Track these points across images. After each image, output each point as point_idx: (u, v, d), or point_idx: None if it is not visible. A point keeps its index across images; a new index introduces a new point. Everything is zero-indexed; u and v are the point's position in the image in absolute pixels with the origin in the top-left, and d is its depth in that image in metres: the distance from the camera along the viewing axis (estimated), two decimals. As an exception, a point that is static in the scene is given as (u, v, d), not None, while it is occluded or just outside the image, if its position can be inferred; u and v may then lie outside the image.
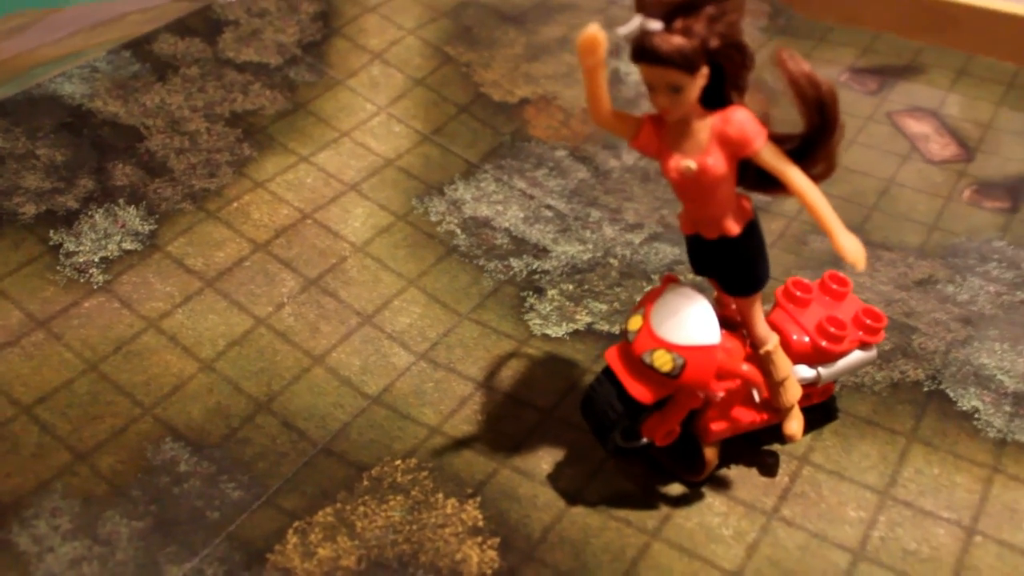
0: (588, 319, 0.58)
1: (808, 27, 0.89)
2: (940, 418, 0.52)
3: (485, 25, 0.77)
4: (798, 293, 0.49)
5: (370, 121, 0.68)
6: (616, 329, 0.57)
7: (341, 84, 0.70)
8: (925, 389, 0.53)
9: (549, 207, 0.65)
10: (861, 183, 0.70)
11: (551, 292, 0.59)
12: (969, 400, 0.52)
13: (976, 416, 0.52)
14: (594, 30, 0.36)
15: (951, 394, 0.53)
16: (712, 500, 0.48)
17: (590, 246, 0.63)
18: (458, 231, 0.63)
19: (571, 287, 0.60)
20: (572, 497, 0.48)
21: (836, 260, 0.63)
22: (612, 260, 0.61)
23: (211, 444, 0.49)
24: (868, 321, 0.49)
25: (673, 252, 0.62)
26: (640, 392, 0.43)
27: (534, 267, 0.61)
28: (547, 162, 0.69)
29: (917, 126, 0.77)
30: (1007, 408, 0.52)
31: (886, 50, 0.87)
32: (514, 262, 0.61)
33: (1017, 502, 0.48)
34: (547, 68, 0.75)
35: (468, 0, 0.79)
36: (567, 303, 0.58)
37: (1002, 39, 0.85)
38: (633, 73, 0.75)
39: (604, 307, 0.58)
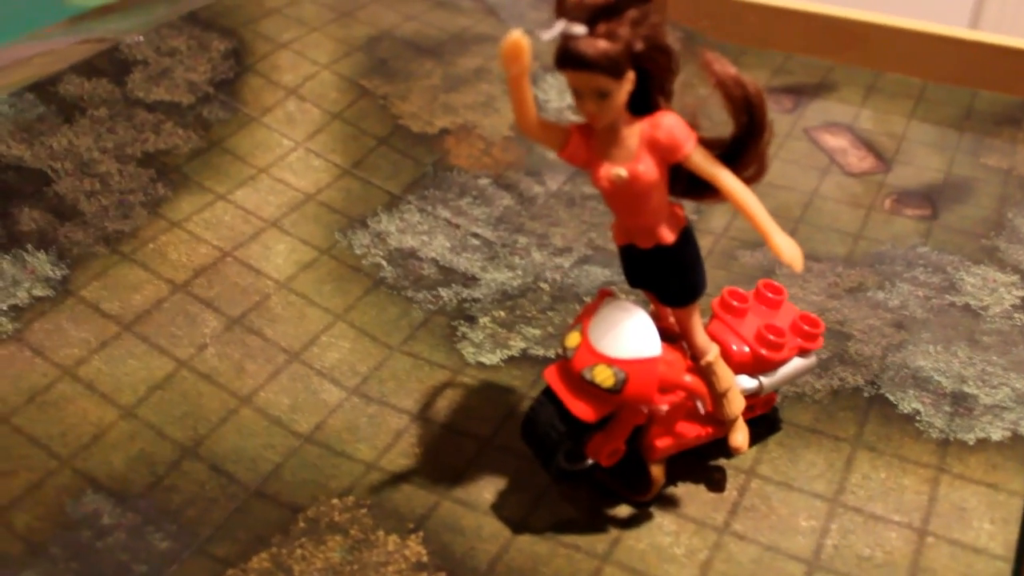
0: (522, 344, 0.56)
1: (721, 50, 0.90)
2: (883, 422, 0.51)
3: (401, 57, 0.76)
4: (735, 303, 0.48)
5: (288, 156, 0.67)
6: (552, 353, 0.56)
7: (256, 121, 0.68)
8: (865, 395, 0.53)
9: (475, 235, 0.64)
10: (785, 197, 0.70)
11: (483, 320, 0.58)
12: (909, 403, 0.52)
13: (917, 418, 0.52)
14: (517, 36, 0.35)
15: (891, 398, 0.53)
16: (661, 519, 0.47)
17: (519, 272, 0.61)
18: (384, 263, 0.61)
19: (503, 314, 0.58)
20: (518, 526, 0.46)
21: (766, 273, 0.63)
22: (543, 285, 0.60)
23: (135, 494, 0.47)
24: (806, 327, 0.48)
25: (604, 273, 0.61)
26: (582, 410, 0.42)
27: (464, 296, 0.60)
28: (471, 191, 0.68)
29: (834, 141, 0.78)
30: (947, 408, 0.52)
31: (798, 70, 0.88)
32: (443, 292, 0.60)
33: (965, 500, 0.47)
34: (466, 98, 0.75)
35: (382, 34, 0.78)
36: (500, 330, 0.57)
37: (908, 55, 0.87)
38: (552, 100, 0.75)
39: (538, 332, 0.57)
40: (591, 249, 0.64)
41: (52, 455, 0.48)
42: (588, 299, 0.59)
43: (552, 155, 0.72)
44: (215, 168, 0.64)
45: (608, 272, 0.61)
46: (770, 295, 0.49)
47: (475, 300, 0.59)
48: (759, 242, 0.66)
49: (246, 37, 0.73)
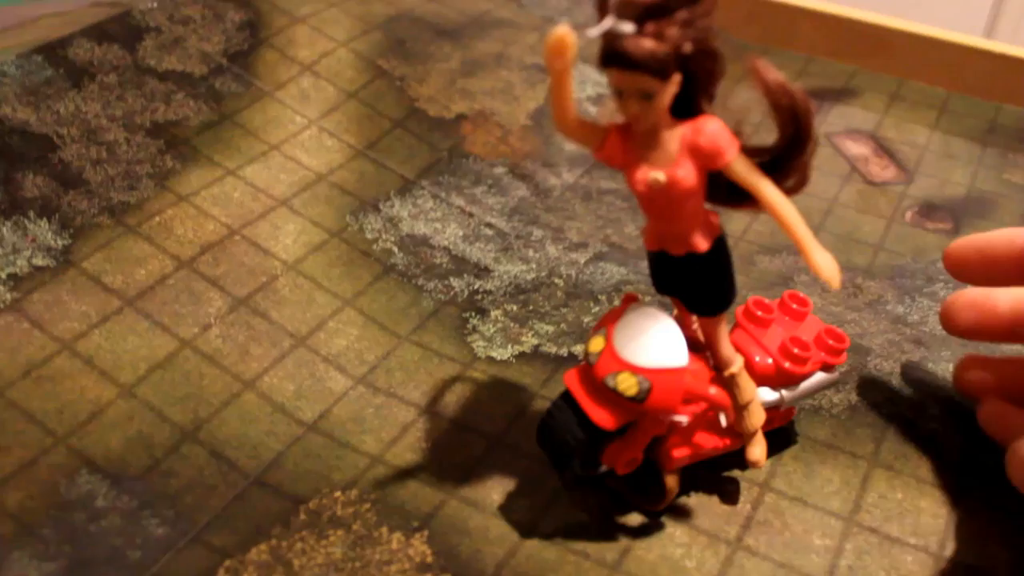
0: (534, 341, 0.55)
1: (742, 50, 0.88)
2: (901, 441, 0.50)
3: (419, 39, 0.74)
4: (759, 313, 0.47)
5: (301, 134, 0.65)
6: (564, 351, 0.54)
7: (269, 96, 0.66)
8: (884, 412, 0.51)
9: (489, 225, 0.63)
10: (806, 204, 0.69)
11: (495, 313, 0.56)
12: (928, 423, 0.51)
13: (936, 438, 0.50)
14: (563, 31, 0.34)
15: (910, 416, 0.51)
16: (673, 530, 0.46)
17: (533, 265, 0.60)
18: (395, 249, 0.60)
19: (515, 308, 0.57)
20: (526, 529, 0.45)
21: (785, 280, 0.61)
22: (557, 280, 0.59)
23: (132, 476, 0.45)
24: (831, 342, 0.47)
25: (620, 272, 0.60)
26: (602, 418, 0.40)
27: (476, 287, 0.58)
28: (486, 179, 0.66)
29: (856, 148, 0.76)
30: (965, 429, 0.51)
31: (820, 73, 0.86)
32: (455, 282, 0.58)
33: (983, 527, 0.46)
34: (484, 84, 0.73)
35: (401, 14, 0.76)
36: (512, 324, 0.56)
37: (932, 64, 0.86)
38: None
39: (551, 328, 0.56)
40: (607, 246, 0.62)
41: (47, 432, 0.46)
42: (603, 297, 0.57)
43: (570, 147, 0.71)
44: (225, 142, 0.62)
45: (623, 271, 0.60)
46: (795, 306, 0.48)
47: (487, 292, 0.58)
48: (778, 247, 0.65)
49: (262, 9, 0.71)
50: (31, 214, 0.54)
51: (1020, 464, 0.43)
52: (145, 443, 0.47)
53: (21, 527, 0.42)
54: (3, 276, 0.51)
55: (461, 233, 0.62)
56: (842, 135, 0.78)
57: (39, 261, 0.52)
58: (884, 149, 0.77)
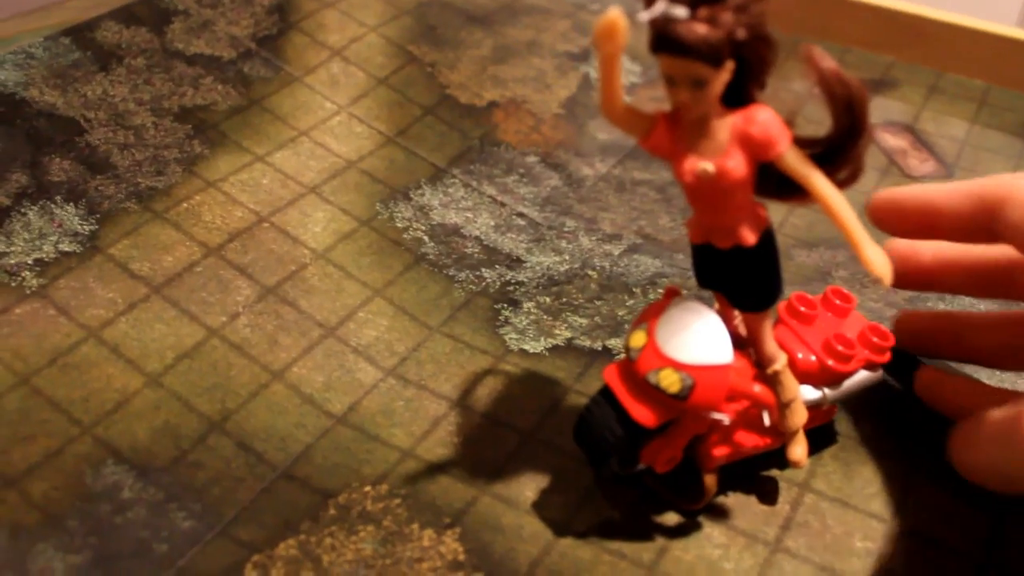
0: (568, 334, 0.54)
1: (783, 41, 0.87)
2: (943, 441, 0.49)
3: (450, 25, 0.73)
4: (802, 309, 0.46)
5: (330, 120, 0.64)
6: (598, 345, 0.53)
7: (298, 81, 0.65)
8: (926, 409, 0.50)
9: (521, 215, 0.62)
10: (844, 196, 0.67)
11: (527, 305, 0.55)
12: (973, 424, 0.50)
13: (982, 441, 0.49)
14: (615, 14, 0.33)
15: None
16: (711, 530, 0.44)
17: (566, 257, 0.59)
18: (426, 238, 0.59)
19: (548, 300, 0.56)
20: (560, 527, 0.44)
21: (823, 275, 0.60)
22: (591, 272, 0.58)
23: (158, 468, 0.44)
24: (875, 339, 0.46)
25: (655, 265, 0.58)
26: (643, 415, 0.39)
27: (508, 278, 0.57)
28: (517, 168, 0.65)
29: (894, 140, 0.75)
30: (1014, 432, 0.49)
31: (857, 64, 0.85)
32: (486, 272, 0.57)
33: (1033, 533, 0.45)
34: (515, 71, 0.72)
35: (431, -1, 0.75)
36: (545, 317, 0.55)
37: (971, 56, 0.84)
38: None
39: (584, 321, 0.54)
40: (641, 237, 0.61)
41: (73, 421, 0.45)
42: (637, 290, 0.56)
43: (603, 136, 0.70)
44: (254, 127, 0.61)
45: (659, 263, 0.58)
46: (838, 302, 0.47)
47: (519, 283, 0.57)
48: (816, 242, 0.63)
49: (292, -7, 0.70)
50: (58, 199, 0.53)
51: (960, 447, 0.43)
52: (172, 434, 0.46)
53: (46, 518, 0.42)
54: (29, 261, 0.50)
55: (493, 223, 0.60)
56: (880, 127, 0.76)
57: (66, 246, 0.51)
58: (922, 142, 0.75)
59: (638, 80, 0.75)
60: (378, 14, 0.71)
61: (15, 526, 0.41)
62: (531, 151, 0.67)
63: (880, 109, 0.79)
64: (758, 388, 0.40)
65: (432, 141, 0.65)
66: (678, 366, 0.38)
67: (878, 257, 0.36)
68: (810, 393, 0.45)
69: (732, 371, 0.39)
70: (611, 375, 0.40)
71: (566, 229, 0.61)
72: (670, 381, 0.38)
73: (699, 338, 0.38)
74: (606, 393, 0.41)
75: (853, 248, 0.36)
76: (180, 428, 0.46)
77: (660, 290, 0.56)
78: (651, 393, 0.39)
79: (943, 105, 0.80)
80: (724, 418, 0.40)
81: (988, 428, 0.41)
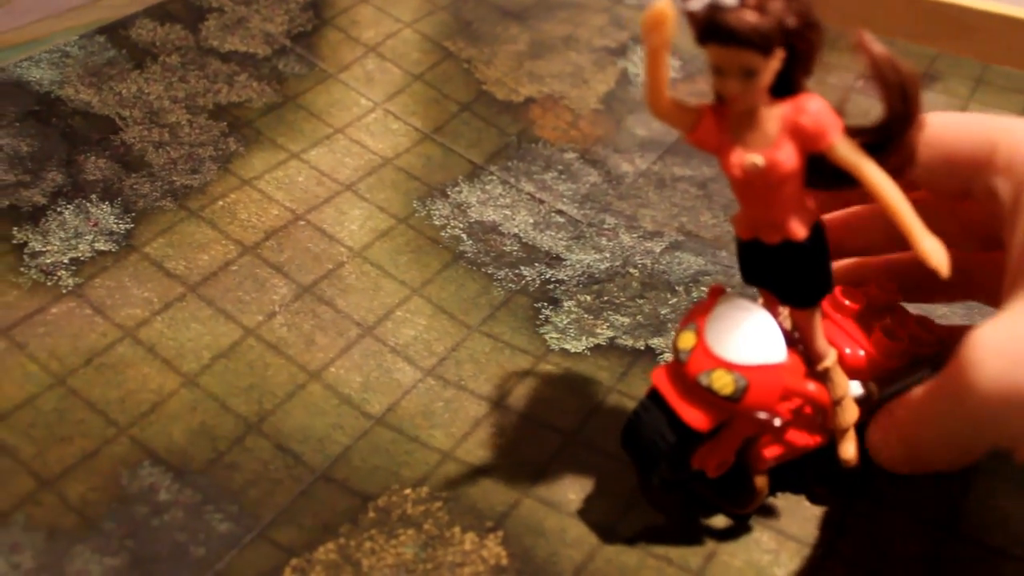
0: (610, 333, 0.52)
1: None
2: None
3: (486, 20, 0.72)
4: (847, 302, 0.44)
5: (365, 117, 0.63)
6: (641, 344, 0.52)
7: (333, 78, 0.65)
8: (982, 413, 0.48)
9: (560, 212, 0.60)
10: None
11: (568, 303, 0.54)
12: (1030, 425, 0.48)
13: (1041, 442, 0.47)
14: (662, 4, 0.32)
15: (1011, 418, 0.48)
16: (760, 535, 0.43)
17: (607, 255, 0.58)
18: (464, 236, 0.58)
19: (589, 298, 0.54)
20: (605, 532, 0.43)
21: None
22: (632, 270, 0.56)
23: (195, 470, 0.44)
24: (923, 333, 0.44)
25: (697, 262, 0.57)
26: (695, 418, 0.38)
27: (547, 276, 0.56)
28: (556, 165, 0.64)
29: (940, 134, 0.73)
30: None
31: (900, 57, 0.83)
32: (526, 271, 0.56)
33: (1097, 539, 0.43)
34: (552, 67, 0.70)
35: (466, -6, 0.74)
36: (585, 316, 0.53)
37: (1018, 47, 0.82)
38: (643, 75, 0.71)
39: (626, 320, 0.53)
40: (682, 235, 0.60)
41: (109, 422, 0.45)
42: (680, 288, 0.55)
43: (641, 132, 0.68)
44: (289, 125, 0.61)
45: (701, 261, 0.57)
46: (885, 295, 0.45)
47: (559, 282, 0.55)
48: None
49: (326, -11, 0.69)
50: (93, 197, 0.53)
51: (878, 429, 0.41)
52: (208, 435, 0.45)
53: (83, 520, 0.41)
54: (65, 260, 0.50)
55: (531, 220, 0.59)
56: (926, 121, 0.74)
57: (101, 245, 0.51)
58: (970, 136, 0.73)
59: (677, 75, 0.73)
60: (413, 10, 0.70)
61: (52, 528, 0.40)
62: (569, 147, 0.65)
63: (925, 103, 0.76)
64: (812, 387, 0.39)
65: (469, 138, 0.64)
66: (730, 367, 0.37)
67: (934, 247, 0.34)
68: (856, 389, 0.43)
69: (786, 370, 0.37)
70: (660, 378, 0.39)
71: (606, 226, 0.60)
72: (723, 383, 0.37)
73: (751, 337, 0.37)
74: (654, 397, 0.39)
75: (908, 239, 0.35)
76: (216, 429, 0.46)
77: (703, 288, 0.55)
78: (703, 396, 0.38)
79: (991, 97, 0.78)
80: (778, 419, 0.39)
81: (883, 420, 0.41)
